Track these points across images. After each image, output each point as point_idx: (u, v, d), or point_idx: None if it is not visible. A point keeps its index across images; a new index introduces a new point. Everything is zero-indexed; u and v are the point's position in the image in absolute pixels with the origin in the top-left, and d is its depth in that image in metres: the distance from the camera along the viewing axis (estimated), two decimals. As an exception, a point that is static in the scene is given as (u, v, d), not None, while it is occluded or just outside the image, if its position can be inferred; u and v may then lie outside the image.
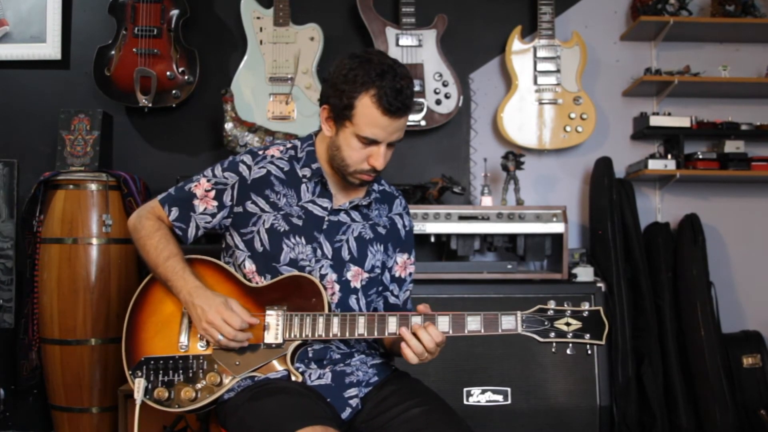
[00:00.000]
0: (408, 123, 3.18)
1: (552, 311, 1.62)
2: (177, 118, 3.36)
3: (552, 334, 1.60)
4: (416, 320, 1.63)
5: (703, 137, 3.42)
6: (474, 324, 1.62)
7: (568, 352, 1.61)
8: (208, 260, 1.80)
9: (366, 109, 1.62)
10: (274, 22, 3.24)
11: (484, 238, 2.99)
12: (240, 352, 1.68)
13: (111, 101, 3.19)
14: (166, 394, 1.69)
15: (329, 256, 1.75)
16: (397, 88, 1.60)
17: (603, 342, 1.61)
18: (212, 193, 1.78)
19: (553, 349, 1.61)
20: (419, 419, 1.60)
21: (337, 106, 1.66)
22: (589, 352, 1.62)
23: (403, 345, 1.62)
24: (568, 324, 1.61)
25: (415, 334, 1.61)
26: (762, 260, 3.46)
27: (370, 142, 1.65)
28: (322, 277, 1.73)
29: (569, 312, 1.62)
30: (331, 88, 1.67)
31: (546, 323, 1.61)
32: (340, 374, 1.72)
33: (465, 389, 2.75)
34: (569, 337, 1.60)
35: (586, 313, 1.61)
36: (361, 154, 1.67)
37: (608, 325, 1.61)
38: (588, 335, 1.60)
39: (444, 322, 1.63)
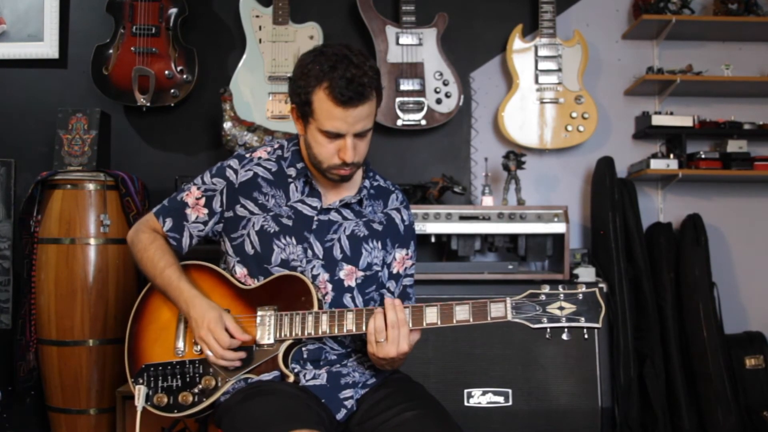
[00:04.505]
0: (408, 122, 3.22)
1: (544, 296, 1.55)
2: (175, 117, 3.35)
3: (544, 320, 1.54)
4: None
5: (705, 137, 3.41)
6: (462, 313, 1.58)
7: (564, 337, 1.54)
8: (203, 265, 1.81)
9: (321, 103, 1.61)
10: (273, 21, 3.23)
11: (485, 238, 2.97)
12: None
13: (109, 100, 3.17)
14: (166, 400, 1.71)
15: (320, 256, 1.73)
16: (348, 77, 1.57)
17: (599, 324, 1.53)
18: (202, 201, 1.78)
19: (548, 335, 1.55)
20: (412, 423, 1.57)
21: (299, 104, 1.66)
22: (586, 336, 1.56)
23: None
24: (561, 308, 1.54)
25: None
26: (765, 261, 3.45)
27: (334, 135, 1.63)
28: (315, 277, 1.72)
29: (563, 296, 1.55)
30: (292, 86, 1.67)
31: (538, 308, 1.55)
32: (335, 375, 1.71)
33: (466, 391, 2.73)
34: (563, 321, 1.53)
35: (581, 295, 1.54)
36: (329, 149, 1.66)
37: (605, 306, 1.54)
38: (583, 318, 1.53)
39: (432, 313, 1.59)
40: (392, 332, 1.57)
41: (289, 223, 1.73)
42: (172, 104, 3.18)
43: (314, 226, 1.74)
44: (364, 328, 1.62)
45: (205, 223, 1.78)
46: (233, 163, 1.80)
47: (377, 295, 1.81)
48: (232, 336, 1.65)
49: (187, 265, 1.79)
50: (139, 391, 1.71)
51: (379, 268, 1.79)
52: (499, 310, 1.56)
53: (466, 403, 2.72)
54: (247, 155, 1.81)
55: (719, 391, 2.98)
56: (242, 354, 1.66)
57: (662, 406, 3.00)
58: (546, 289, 1.56)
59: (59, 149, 2.93)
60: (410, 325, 1.59)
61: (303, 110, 1.65)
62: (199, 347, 1.71)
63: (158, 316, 1.78)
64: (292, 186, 1.77)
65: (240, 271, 1.75)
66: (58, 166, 2.91)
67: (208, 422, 1.90)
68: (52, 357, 2.78)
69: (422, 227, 2.86)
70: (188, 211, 1.78)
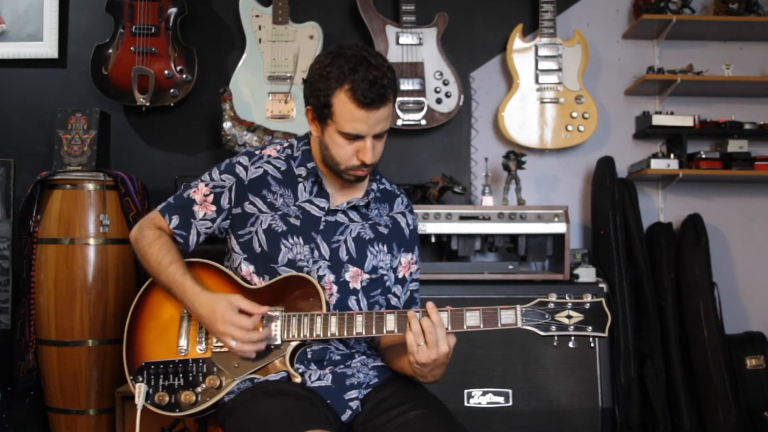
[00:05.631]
0: (408, 122, 3.21)
1: (552, 304, 1.58)
2: (175, 117, 3.34)
3: (553, 328, 1.56)
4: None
5: (706, 136, 3.40)
6: (473, 319, 1.59)
7: (571, 345, 1.57)
8: (208, 263, 1.79)
9: (342, 105, 1.60)
10: (273, 21, 3.22)
11: (485, 238, 2.97)
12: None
13: (108, 100, 3.16)
14: (167, 399, 1.70)
15: (326, 257, 1.73)
16: (370, 79, 1.57)
17: (605, 334, 1.57)
18: (211, 198, 1.77)
19: (555, 343, 1.58)
20: (416, 423, 1.57)
21: (317, 106, 1.64)
22: (592, 344, 1.60)
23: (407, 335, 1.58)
24: (569, 317, 1.57)
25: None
26: (765, 261, 3.44)
27: (354, 137, 1.63)
28: (320, 278, 1.71)
29: (570, 304, 1.57)
30: (310, 88, 1.66)
31: (546, 316, 1.57)
32: (340, 376, 1.70)
33: (466, 391, 2.73)
34: (571, 330, 1.56)
35: (588, 305, 1.57)
36: (348, 151, 1.65)
37: (611, 316, 1.57)
38: (590, 327, 1.56)
39: (442, 318, 1.59)
40: (430, 336, 1.56)
41: (297, 223, 1.73)
42: (172, 104, 3.18)
43: (321, 227, 1.74)
44: (373, 331, 1.61)
45: (213, 221, 1.77)
46: (243, 159, 1.78)
47: (383, 299, 1.81)
48: (249, 315, 1.64)
49: (191, 263, 1.77)
50: (140, 389, 1.70)
51: (385, 272, 1.78)
52: (509, 317, 1.58)
53: (466, 404, 2.72)
54: (257, 153, 1.80)
55: (719, 391, 2.97)
56: (266, 332, 1.64)
57: (662, 406, 2.99)
58: (554, 297, 1.58)
59: (59, 149, 2.92)
60: (449, 327, 1.59)
61: (321, 112, 1.64)
62: (203, 346, 1.71)
63: (159, 314, 1.77)
64: (300, 186, 1.76)
65: (246, 268, 1.74)
66: (57, 166, 2.90)
67: (208, 422, 1.89)
68: (52, 357, 2.78)
69: (422, 227, 2.85)
70: (196, 208, 1.77)
